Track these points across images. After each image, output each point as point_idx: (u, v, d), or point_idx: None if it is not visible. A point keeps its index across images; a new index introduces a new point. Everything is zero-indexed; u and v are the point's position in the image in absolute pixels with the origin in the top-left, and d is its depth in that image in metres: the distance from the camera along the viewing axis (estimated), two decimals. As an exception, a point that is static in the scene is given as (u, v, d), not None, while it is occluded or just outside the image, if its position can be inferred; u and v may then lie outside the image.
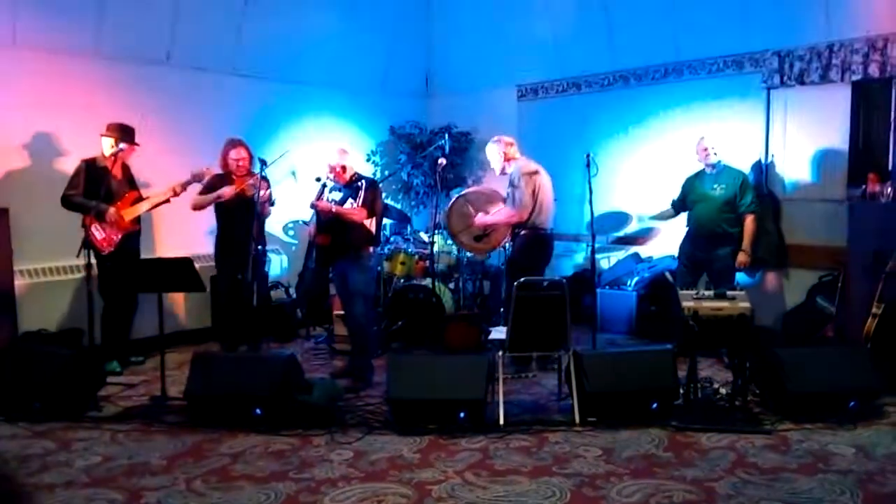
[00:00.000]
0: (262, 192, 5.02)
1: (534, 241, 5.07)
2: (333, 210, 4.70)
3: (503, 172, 5.17)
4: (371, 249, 4.85)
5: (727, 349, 4.92)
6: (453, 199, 5.47)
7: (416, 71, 8.01)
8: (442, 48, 7.93)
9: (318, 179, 4.89)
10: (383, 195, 5.10)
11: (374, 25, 7.38)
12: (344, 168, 4.81)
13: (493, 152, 5.17)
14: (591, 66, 6.74)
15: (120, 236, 4.97)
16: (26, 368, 4.12)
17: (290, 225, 6.81)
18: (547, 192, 5.09)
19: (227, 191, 5.14)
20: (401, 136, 7.66)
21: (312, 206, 4.85)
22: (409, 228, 6.73)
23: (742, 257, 5.09)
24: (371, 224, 4.80)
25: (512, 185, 5.02)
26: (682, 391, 4.04)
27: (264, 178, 5.10)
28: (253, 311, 5.12)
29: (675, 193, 5.55)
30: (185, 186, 5.16)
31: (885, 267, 4.33)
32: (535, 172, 5.04)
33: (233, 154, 5.25)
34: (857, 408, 3.90)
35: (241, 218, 5.07)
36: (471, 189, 5.53)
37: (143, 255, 5.32)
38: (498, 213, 5.18)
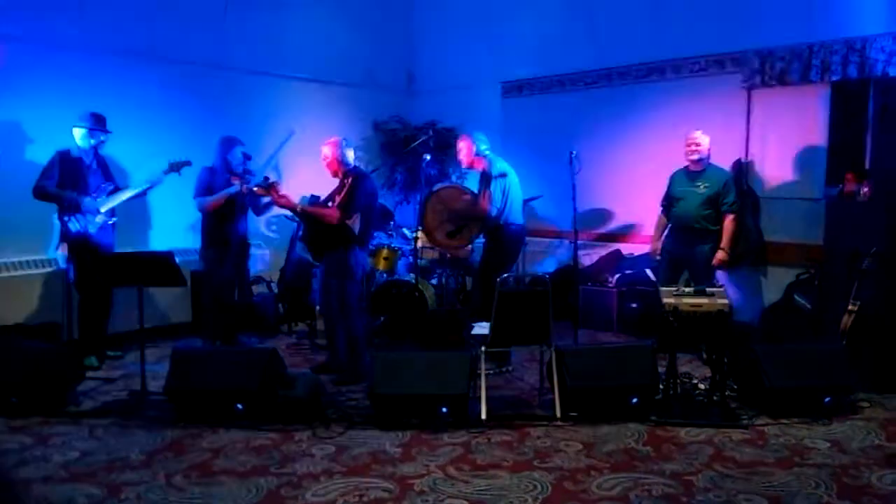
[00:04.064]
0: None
1: (507, 236, 5.18)
2: (298, 209, 4.68)
3: (470, 167, 5.35)
4: (345, 249, 4.66)
5: (706, 345, 4.98)
6: (425, 198, 5.46)
7: (400, 66, 8.00)
8: (426, 44, 7.94)
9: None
10: (368, 191, 4.85)
11: (358, 20, 7.38)
12: (327, 159, 4.75)
13: (463, 148, 5.29)
14: (575, 64, 6.77)
15: (96, 229, 4.91)
16: (2, 363, 4.06)
17: (273, 219, 6.77)
18: (516, 191, 5.22)
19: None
20: (384, 132, 7.64)
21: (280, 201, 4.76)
22: (392, 224, 6.72)
23: (721, 255, 5.14)
24: (355, 222, 4.66)
25: (484, 182, 5.15)
26: (661, 386, 4.09)
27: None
28: (236, 307, 5.12)
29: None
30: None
31: (861, 265, 4.40)
32: (503, 175, 5.14)
33: (239, 154, 5.19)
34: (833, 403, 3.97)
35: (236, 215, 5.06)
36: (442, 186, 5.54)
37: (124, 250, 5.26)
38: (476, 208, 5.23)
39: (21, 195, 4.84)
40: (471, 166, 5.34)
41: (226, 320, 5.23)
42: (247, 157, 5.03)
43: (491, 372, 4.78)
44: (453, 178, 7.55)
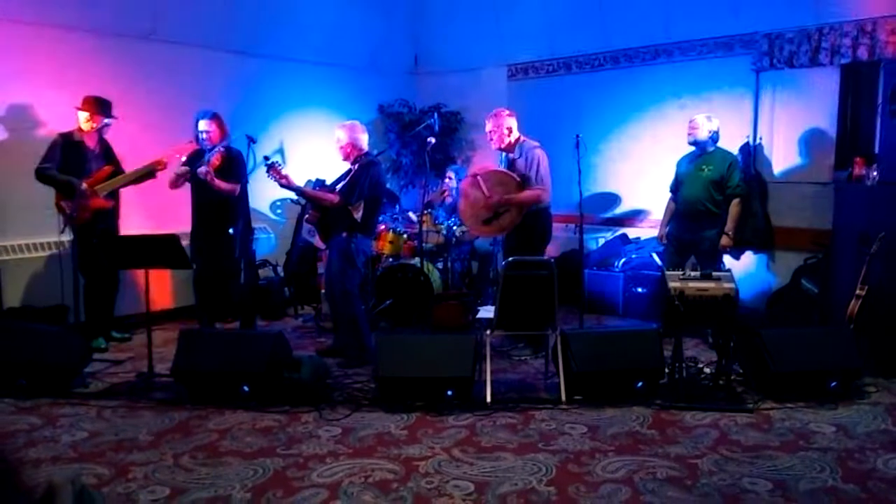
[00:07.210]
0: (202, 168, 4.89)
1: (546, 219, 5.00)
2: (298, 190, 4.69)
3: (507, 148, 4.97)
4: (347, 235, 4.61)
5: (712, 329, 4.97)
6: (466, 178, 5.17)
7: (405, 49, 7.95)
8: (432, 26, 7.88)
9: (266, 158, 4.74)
10: (375, 179, 4.70)
11: (363, 2, 7.31)
12: (340, 142, 4.70)
13: (505, 125, 4.91)
14: (581, 47, 6.72)
15: (91, 211, 4.90)
16: (11, 345, 4.09)
17: (278, 203, 6.78)
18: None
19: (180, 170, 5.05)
20: (390, 115, 7.62)
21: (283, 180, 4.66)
22: (397, 207, 6.72)
23: (725, 240, 5.13)
24: (358, 209, 4.60)
25: (534, 164, 4.83)
26: (667, 370, 4.09)
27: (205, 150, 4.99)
28: (238, 290, 5.12)
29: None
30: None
31: (870, 249, 4.37)
32: (540, 147, 4.93)
33: (199, 126, 5.04)
34: (839, 387, 3.96)
35: (201, 197, 5.04)
36: (482, 171, 5.07)
37: (129, 233, 5.27)
38: (525, 192, 4.85)
39: (27, 177, 4.85)
40: (506, 149, 4.97)
41: (203, 305, 5.27)
42: (251, 140, 5.00)
43: (527, 357, 4.83)
44: (458, 163, 7.53)
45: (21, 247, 5.20)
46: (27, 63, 5.17)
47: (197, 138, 5.09)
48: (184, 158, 5.07)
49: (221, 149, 5.02)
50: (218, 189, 4.96)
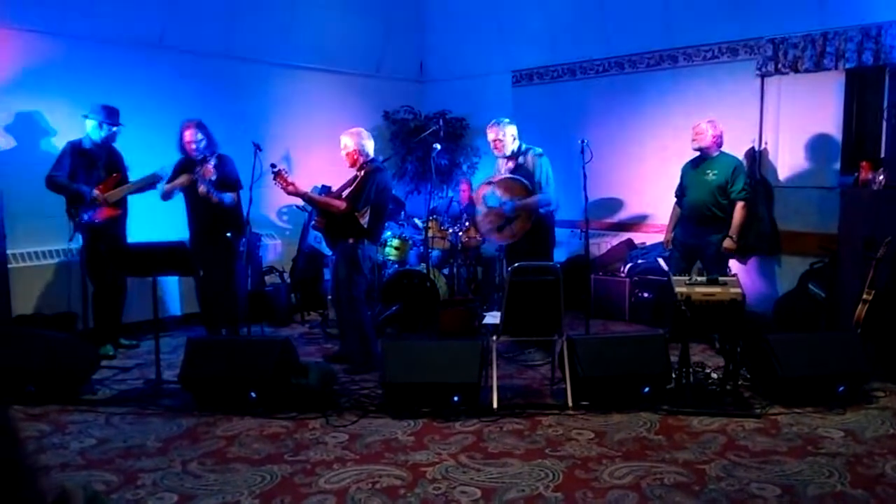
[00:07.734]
0: (202, 188, 4.90)
1: (552, 223, 5.11)
2: (305, 196, 4.70)
3: (511, 156, 5.05)
4: (353, 241, 4.62)
5: (719, 334, 4.96)
6: (481, 186, 5.20)
7: (410, 56, 7.99)
8: (437, 33, 7.92)
9: (274, 166, 4.69)
10: (381, 186, 4.73)
11: (368, 9, 7.36)
12: (347, 149, 4.71)
13: (510, 133, 5.03)
14: (586, 53, 6.74)
15: (102, 218, 4.93)
16: (20, 351, 4.11)
17: (285, 210, 6.80)
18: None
19: (183, 179, 4.99)
20: (395, 122, 7.64)
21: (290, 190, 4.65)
22: (402, 214, 6.74)
23: (728, 243, 5.11)
24: (364, 216, 4.62)
25: (539, 169, 4.95)
26: (673, 376, 4.08)
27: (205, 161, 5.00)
28: (233, 298, 5.14)
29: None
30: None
31: (876, 253, 4.36)
32: (543, 155, 5.03)
33: (186, 136, 5.02)
34: (846, 392, 3.95)
35: (197, 206, 5.04)
36: (495, 178, 5.14)
37: (135, 239, 5.30)
38: (534, 197, 4.95)
39: (37, 186, 4.88)
40: (510, 156, 5.06)
41: (207, 311, 5.27)
42: (258, 148, 5.03)
43: (539, 363, 4.82)
44: (464, 168, 7.55)
45: (30, 254, 5.23)
46: (35, 72, 5.21)
47: (182, 148, 5.06)
48: (166, 187, 5.06)
49: (213, 160, 4.98)
50: (220, 202, 4.97)
